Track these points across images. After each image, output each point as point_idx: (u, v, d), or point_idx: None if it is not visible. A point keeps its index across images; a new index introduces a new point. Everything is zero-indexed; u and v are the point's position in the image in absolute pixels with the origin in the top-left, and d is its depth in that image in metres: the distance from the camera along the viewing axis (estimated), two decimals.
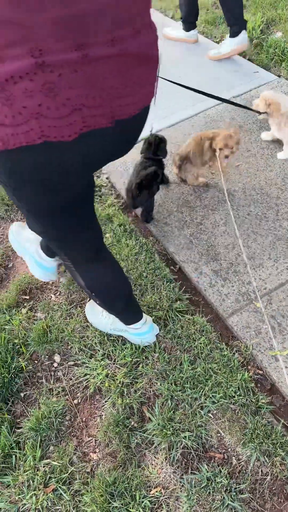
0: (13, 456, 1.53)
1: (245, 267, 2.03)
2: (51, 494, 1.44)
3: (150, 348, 1.75)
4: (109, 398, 1.64)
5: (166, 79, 1.60)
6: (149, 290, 1.95)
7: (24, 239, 1.87)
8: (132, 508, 1.38)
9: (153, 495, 1.42)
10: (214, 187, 2.40)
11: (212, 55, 3.30)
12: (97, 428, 1.59)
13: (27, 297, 1.99)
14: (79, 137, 0.83)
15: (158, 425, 1.54)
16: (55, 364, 1.76)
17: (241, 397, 1.60)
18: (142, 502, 1.40)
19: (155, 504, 1.41)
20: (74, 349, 1.78)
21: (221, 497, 1.40)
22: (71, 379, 1.72)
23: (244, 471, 1.46)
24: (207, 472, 1.45)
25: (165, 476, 1.46)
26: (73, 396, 1.68)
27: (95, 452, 1.54)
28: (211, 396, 1.60)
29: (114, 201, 2.41)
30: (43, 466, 1.50)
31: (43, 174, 0.89)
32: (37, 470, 1.50)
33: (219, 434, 1.54)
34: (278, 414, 1.59)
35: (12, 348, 1.79)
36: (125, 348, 1.75)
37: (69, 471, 1.49)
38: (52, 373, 1.75)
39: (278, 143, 2.59)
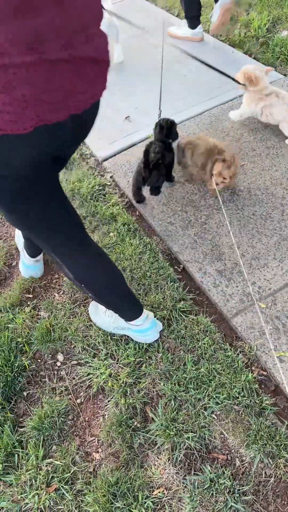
0: (16, 455, 1.53)
1: (250, 268, 2.01)
2: (54, 493, 1.44)
3: (154, 348, 1.75)
4: (112, 397, 1.63)
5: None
6: (153, 290, 1.95)
7: (19, 235, 1.97)
8: (135, 509, 1.38)
9: (155, 495, 1.41)
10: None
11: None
12: (100, 428, 1.59)
13: (31, 296, 1.98)
14: (34, 130, 0.91)
15: (161, 425, 1.54)
16: (58, 363, 1.76)
17: (245, 398, 1.58)
18: (145, 502, 1.39)
19: (157, 505, 1.40)
20: (78, 348, 1.77)
21: (224, 498, 1.39)
22: (74, 378, 1.71)
23: (248, 473, 1.45)
24: (210, 473, 1.44)
25: (168, 476, 1.46)
26: (76, 395, 1.67)
27: (97, 452, 1.54)
28: (214, 397, 1.59)
29: (118, 200, 2.40)
30: (46, 466, 1.50)
31: (2, 165, 0.98)
32: (40, 470, 1.49)
33: (222, 435, 1.53)
34: (282, 416, 1.58)
35: (15, 347, 1.79)
36: (128, 347, 1.75)
37: (72, 471, 1.48)
38: (55, 372, 1.74)
39: (283, 142, 2.57)
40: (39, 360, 1.78)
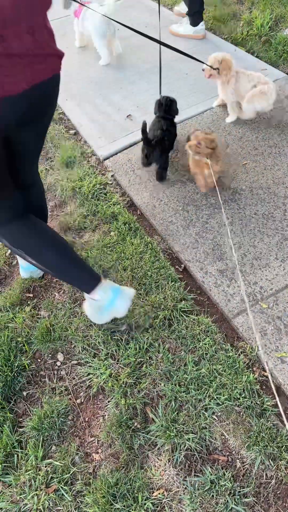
0: (15, 456, 1.52)
1: (251, 267, 2.00)
2: (53, 494, 1.43)
3: (154, 348, 1.74)
4: (112, 398, 1.62)
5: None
6: (154, 290, 1.93)
7: None
8: (134, 510, 1.37)
9: (155, 497, 1.40)
10: (220, 186, 2.37)
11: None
12: (100, 428, 1.58)
13: (31, 295, 1.97)
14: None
15: (161, 426, 1.53)
16: (58, 363, 1.75)
17: (246, 399, 1.57)
18: (145, 504, 1.38)
19: (157, 507, 1.39)
20: (78, 348, 1.76)
21: (225, 500, 1.38)
22: (74, 378, 1.70)
23: (248, 475, 1.44)
24: (211, 474, 1.43)
25: (168, 478, 1.44)
26: (76, 395, 1.66)
27: (97, 453, 1.53)
28: (215, 397, 1.58)
29: (119, 199, 2.39)
30: (45, 466, 1.49)
31: None
32: (39, 470, 1.48)
33: (223, 437, 1.52)
34: (284, 417, 1.56)
35: (15, 347, 1.78)
36: (129, 348, 1.73)
37: (71, 472, 1.47)
38: (55, 372, 1.73)
39: (286, 141, 2.55)
40: (39, 360, 1.77)
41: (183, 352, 1.72)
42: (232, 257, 2.03)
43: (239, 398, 1.57)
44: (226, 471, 1.44)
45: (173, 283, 1.95)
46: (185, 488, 1.42)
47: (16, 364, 1.73)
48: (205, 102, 2.89)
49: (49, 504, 1.41)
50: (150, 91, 3.02)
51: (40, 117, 1.44)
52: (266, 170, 2.42)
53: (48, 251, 1.56)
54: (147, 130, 2.22)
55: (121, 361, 1.70)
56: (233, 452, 1.49)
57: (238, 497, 1.39)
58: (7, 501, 1.43)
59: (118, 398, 1.61)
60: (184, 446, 1.49)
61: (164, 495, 1.41)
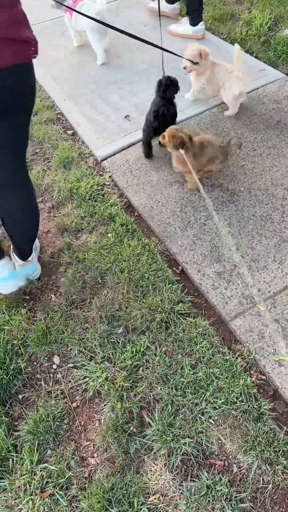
0: (10, 460, 1.51)
1: (249, 270, 1.99)
2: (48, 499, 1.41)
3: (151, 351, 1.72)
4: (108, 402, 1.61)
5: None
6: (151, 292, 1.92)
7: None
8: None
9: (151, 502, 1.39)
10: (218, 187, 2.36)
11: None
12: (95, 432, 1.57)
13: (27, 297, 1.96)
14: None
15: (157, 430, 1.51)
16: (54, 366, 1.74)
17: (243, 403, 1.56)
18: (140, 509, 1.37)
19: None
20: (74, 351, 1.75)
21: (221, 505, 1.37)
22: (70, 381, 1.69)
23: (245, 479, 1.43)
24: (207, 479, 1.42)
25: (164, 483, 1.43)
26: (72, 399, 1.65)
27: (93, 457, 1.52)
28: (212, 401, 1.57)
29: (116, 200, 2.37)
30: (40, 471, 1.48)
31: None
32: (34, 475, 1.47)
33: (220, 441, 1.51)
34: (281, 421, 1.55)
35: (11, 349, 1.77)
36: (126, 351, 1.72)
37: (67, 476, 1.46)
38: (51, 375, 1.72)
39: (284, 142, 2.54)
40: (35, 363, 1.75)
41: (180, 355, 1.71)
42: (234, 256, 2.01)
43: (236, 402, 1.56)
44: (223, 476, 1.43)
45: (170, 285, 1.94)
46: (181, 493, 1.41)
47: (12, 367, 1.72)
48: (204, 102, 2.87)
49: (44, 509, 1.40)
50: (148, 91, 3.00)
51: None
52: (264, 171, 2.40)
53: None
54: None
55: (118, 364, 1.69)
56: (230, 456, 1.48)
57: (235, 502, 1.37)
58: (2, 506, 1.41)
59: (114, 402, 1.59)
60: (181, 451, 1.48)
61: (160, 500, 1.39)
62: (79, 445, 1.55)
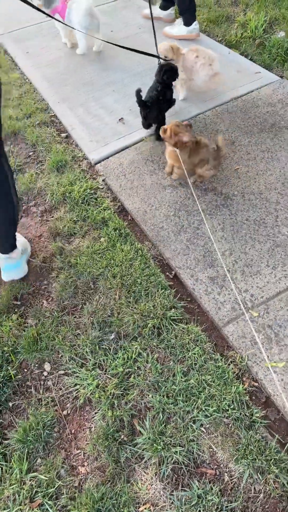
0: None
1: (242, 275, 1.97)
2: (37, 509, 1.40)
3: (143, 358, 1.71)
4: (99, 409, 1.59)
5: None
6: (143, 297, 1.91)
7: None
8: None
9: None
10: (212, 190, 2.35)
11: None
12: (86, 440, 1.55)
13: (18, 303, 1.94)
14: None
15: (148, 439, 1.50)
16: (45, 373, 1.72)
17: (235, 411, 1.55)
18: None
19: None
20: (65, 358, 1.73)
21: None
22: (61, 389, 1.67)
23: (236, 489, 1.42)
24: (198, 489, 1.40)
25: (154, 492, 1.42)
26: (63, 407, 1.63)
27: (83, 466, 1.50)
28: (204, 409, 1.55)
29: (110, 204, 2.36)
30: (30, 480, 1.46)
31: None
32: (24, 484, 1.45)
33: (211, 449, 1.49)
34: (273, 429, 1.54)
35: (1, 356, 1.75)
36: (117, 357, 1.71)
37: (56, 486, 1.44)
38: (42, 383, 1.70)
39: (278, 145, 2.53)
40: (25, 370, 1.74)
41: (172, 362, 1.70)
42: (227, 261, 2.00)
43: (227, 410, 1.55)
44: (214, 485, 1.41)
45: (163, 290, 1.93)
46: (172, 502, 1.39)
47: (2, 374, 1.70)
48: (198, 106, 2.86)
49: None
50: (143, 93, 2.98)
51: None
52: (258, 175, 2.39)
53: None
54: (141, 93, 2.44)
55: (109, 371, 1.68)
56: (221, 465, 1.46)
57: None
58: None
59: (105, 410, 1.58)
60: (172, 459, 1.47)
61: (150, 510, 1.38)
62: (69, 453, 1.53)
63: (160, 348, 1.74)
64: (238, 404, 1.57)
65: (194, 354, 1.71)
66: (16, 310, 1.91)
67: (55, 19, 2.63)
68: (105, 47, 3.49)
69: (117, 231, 2.18)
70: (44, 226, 2.27)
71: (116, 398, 1.61)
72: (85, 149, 2.69)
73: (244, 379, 1.66)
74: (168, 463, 1.46)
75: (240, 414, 1.55)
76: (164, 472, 1.45)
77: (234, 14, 3.71)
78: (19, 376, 1.71)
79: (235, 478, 1.43)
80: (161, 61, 2.57)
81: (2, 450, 1.53)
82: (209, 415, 1.54)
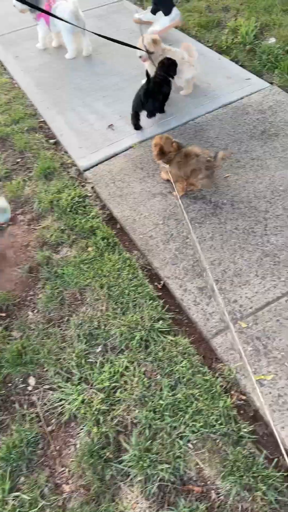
0: None
1: (231, 285, 1.95)
2: None
3: (130, 371, 1.68)
4: (84, 425, 1.56)
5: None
6: (131, 309, 1.88)
7: None
8: None
9: None
10: (201, 199, 2.33)
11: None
12: (71, 457, 1.52)
13: (3, 315, 1.91)
14: None
15: (134, 456, 1.47)
16: (30, 388, 1.69)
17: (222, 426, 1.52)
18: None
19: None
20: (50, 372, 1.70)
21: None
22: (45, 404, 1.64)
23: (223, 506, 1.39)
24: (185, 507, 1.38)
25: (140, 511, 1.39)
26: (48, 422, 1.60)
27: (67, 484, 1.47)
28: (191, 425, 1.53)
29: (98, 212, 2.33)
30: (13, 500, 1.43)
31: None
32: (6, 504, 1.42)
33: (198, 466, 1.47)
34: (261, 444, 1.52)
35: None
36: (103, 371, 1.68)
37: (40, 506, 1.41)
38: (26, 398, 1.67)
39: (268, 153, 2.52)
40: (9, 384, 1.70)
41: (159, 375, 1.67)
42: (216, 271, 1.98)
43: (215, 425, 1.53)
44: (200, 503, 1.39)
45: (151, 301, 1.90)
46: None
47: None
48: (188, 112, 2.84)
49: None
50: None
51: None
52: (248, 183, 2.38)
53: None
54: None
55: (95, 385, 1.65)
56: (208, 482, 1.44)
57: None
58: None
59: (90, 426, 1.55)
60: (158, 477, 1.44)
61: None
62: (53, 471, 1.50)
63: (147, 361, 1.72)
64: (225, 419, 1.54)
65: (182, 367, 1.68)
66: (0, 322, 1.87)
67: (57, 17, 2.61)
68: (95, 52, 3.46)
69: (105, 240, 2.15)
70: (31, 235, 2.23)
71: (101, 414, 1.57)
72: (74, 155, 2.66)
73: (232, 392, 1.64)
74: (154, 481, 1.43)
75: (228, 429, 1.52)
76: (150, 490, 1.42)
77: (225, 20, 3.70)
78: (3, 391, 1.68)
79: (222, 495, 1.41)
80: (144, 54, 2.70)
81: None
82: (196, 430, 1.52)
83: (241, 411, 1.60)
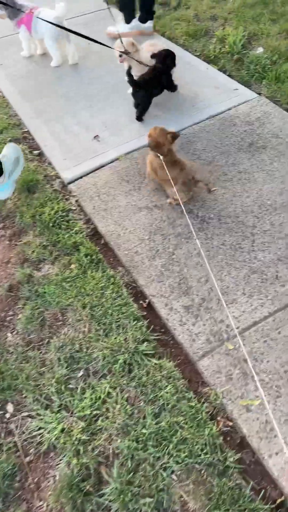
0: None
1: (218, 303, 1.90)
2: None
3: (112, 398, 1.61)
4: (64, 456, 1.49)
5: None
6: (114, 330, 1.82)
7: None
8: None
9: None
10: (188, 213, 2.27)
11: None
12: (49, 490, 1.45)
13: None
14: None
15: (116, 489, 1.41)
16: (8, 415, 1.61)
17: (208, 456, 1.47)
18: None
19: None
20: (29, 398, 1.63)
21: None
22: (24, 432, 1.57)
23: None
24: None
25: None
26: (26, 453, 1.53)
27: None
28: (175, 455, 1.47)
29: (82, 227, 2.26)
30: None
31: None
32: None
33: (182, 499, 1.41)
34: (248, 474, 1.46)
35: None
36: (84, 398, 1.61)
37: None
38: (4, 425, 1.59)
39: (255, 166, 2.48)
40: None
41: (142, 402, 1.61)
42: (203, 289, 1.93)
43: (200, 455, 1.47)
44: None
45: (135, 322, 1.84)
46: None
47: None
48: (175, 123, 2.79)
49: None
50: (121, 108, 2.91)
51: None
52: (235, 197, 2.33)
53: None
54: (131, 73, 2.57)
55: (76, 413, 1.58)
56: None
57: None
58: None
59: (70, 457, 1.48)
60: None
61: None
62: (31, 505, 1.43)
63: (130, 386, 1.65)
64: (211, 447, 1.49)
65: (167, 393, 1.62)
66: None
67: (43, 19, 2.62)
68: (82, 59, 3.40)
69: (89, 257, 2.09)
70: (12, 251, 2.16)
71: (82, 444, 1.51)
72: (58, 167, 2.59)
73: (218, 418, 1.59)
74: None
75: (213, 458, 1.47)
76: None
77: (213, 29, 3.68)
78: None
79: None
80: (122, 55, 2.78)
81: None
82: (180, 461, 1.46)
83: (228, 438, 1.54)
